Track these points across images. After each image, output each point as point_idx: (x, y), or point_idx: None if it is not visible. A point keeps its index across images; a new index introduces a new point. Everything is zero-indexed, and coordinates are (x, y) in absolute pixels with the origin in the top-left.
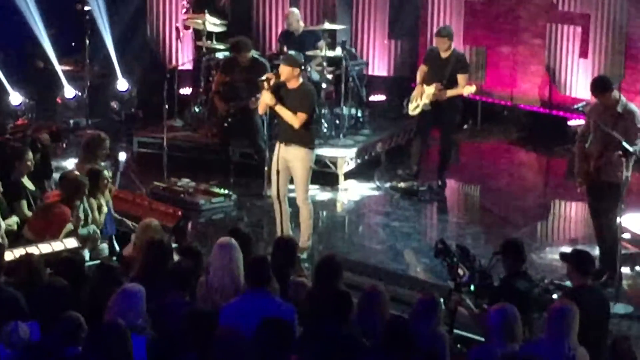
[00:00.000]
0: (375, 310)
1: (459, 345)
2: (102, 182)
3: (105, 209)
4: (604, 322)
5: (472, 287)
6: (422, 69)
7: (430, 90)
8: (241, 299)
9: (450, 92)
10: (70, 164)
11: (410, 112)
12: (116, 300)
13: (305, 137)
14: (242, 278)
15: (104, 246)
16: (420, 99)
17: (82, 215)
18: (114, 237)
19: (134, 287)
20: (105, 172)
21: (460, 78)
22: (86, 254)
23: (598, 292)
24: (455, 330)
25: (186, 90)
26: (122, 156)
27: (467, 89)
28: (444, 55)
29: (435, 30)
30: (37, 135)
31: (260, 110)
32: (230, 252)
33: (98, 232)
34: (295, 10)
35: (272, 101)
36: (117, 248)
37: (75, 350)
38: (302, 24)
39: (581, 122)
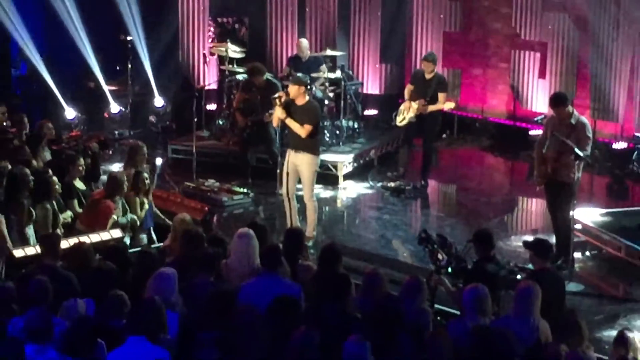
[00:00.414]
0: (375, 290)
1: (438, 318)
2: (142, 183)
3: (146, 206)
4: (561, 299)
5: (449, 270)
6: (408, 88)
7: (415, 105)
8: (257, 280)
9: (432, 107)
10: (115, 168)
11: (398, 124)
12: (153, 281)
13: (312, 145)
14: (257, 262)
15: (144, 236)
16: (407, 112)
17: (120, 208)
18: (152, 229)
19: (167, 270)
20: (145, 175)
21: (441, 96)
22: (127, 240)
23: (555, 273)
24: (436, 305)
25: (212, 106)
26: (159, 161)
27: (447, 105)
28: (428, 76)
29: (419, 55)
30: (88, 144)
31: (275, 123)
32: (248, 241)
33: (137, 221)
34: (305, 40)
35: (284, 115)
36: (155, 238)
37: (120, 322)
38: (308, 52)
39: (540, 132)
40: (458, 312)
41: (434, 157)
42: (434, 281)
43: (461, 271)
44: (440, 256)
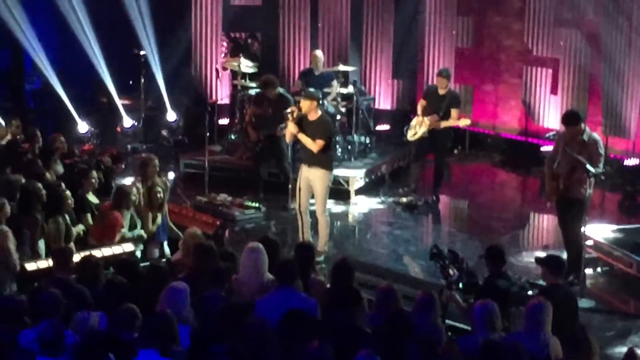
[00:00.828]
0: (390, 305)
1: (449, 334)
2: (154, 197)
3: (159, 221)
4: (573, 315)
5: (460, 285)
6: (421, 103)
7: (428, 120)
8: (273, 294)
9: (445, 123)
10: (128, 182)
11: (409, 138)
12: (165, 295)
13: (325, 161)
14: (266, 276)
15: (155, 250)
16: (420, 127)
17: (128, 221)
18: (164, 243)
19: (179, 285)
20: (159, 188)
21: (453, 112)
22: (138, 254)
23: (567, 290)
24: (447, 321)
25: (224, 121)
26: (171, 175)
27: (462, 122)
28: (441, 92)
29: (432, 71)
30: (101, 157)
31: (288, 139)
32: (257, 255)
33: (144, 236)
34: (319, 52)
35: (296, 130)
36: (168, 251)
37: (132, 335)
38: (322, 64)
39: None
40: (469, 328)
41: (446, 172)
42: (445, 297)
43: (472, 287)
44: (451, 272)
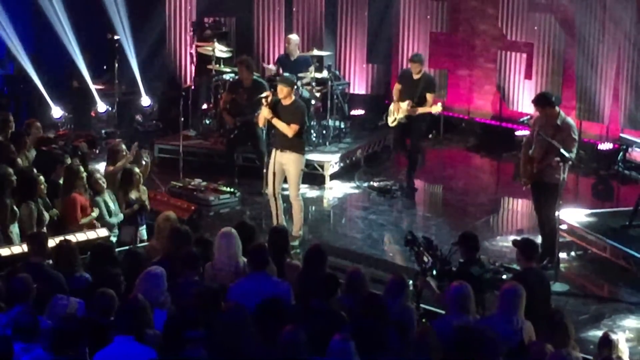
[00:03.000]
0: (357, 288)
1: (424, 320)
2: (135, 179)
3: (147, 204)
4: (546, 299)
5: (434, 272)
6: (396, 87)
7: (404, 106)
8: (245, 279)
9: (421, 110)
10: (102, 167)
11: (390, 124)
12: (141, 280)
13: (298, 145)
14: (240, 261)
15: (129, 233)
16: (397, 113)
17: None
18: (142, 228)
19: (156, 270)
20: (136, 170)
21: (429, 96)
22: (113, 239)
23: (540, 273)
24: (422, 305)
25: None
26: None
27: (434, 108)
28: (415, 77)
29: (406, 56)
30: (77, 143)
31: (260, 123)
32: (230, 240)
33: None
34: (295, 36)
35: (270, 115)
36: (145, 236)
37: (108, 320)
38: (298, 51)
39: (526, 132)
40: (443, 312)
41: (421, 158)
42: (419, 283)
43: (446, 274)
44: (425, 258)
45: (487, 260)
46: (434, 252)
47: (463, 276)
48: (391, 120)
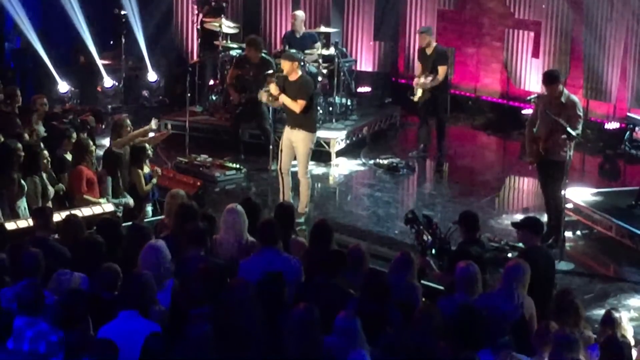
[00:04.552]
0: (359, 265)
1: (423, 299)
2: (144, 155)
3: (154, 180)
4: (550, 278)
5: (433, 251)
6: (418, 66)
7: (420, 80)
8: (256, 255)
9: (431, 83)
10: (107, 142)
11: (416, 100)
12: (144, 253)
13: (308, 123)
14: (245, 237)
15: (149, 209)
16: (417, 89)
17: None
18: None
19: (156, 243)
20: (147, 146)
21: (440, 69)
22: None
23: (546, 252)
24: (422, 282)
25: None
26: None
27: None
28: (428, 51)
29: (414, 33)
30: (85, 117)
31: (264, 99)
32: (236, 216)
33: (131, 203)
34: (300, 12)
35: (277, 91)
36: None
37: (112, 294)
38: (304, 27)
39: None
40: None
41: (426, 134)
42: (419, 262)
43: (445, 253)
44: (425, 237)
45: (493, 238)
46: (434, 231)
47: (462, 256)
48: (417, 97)
